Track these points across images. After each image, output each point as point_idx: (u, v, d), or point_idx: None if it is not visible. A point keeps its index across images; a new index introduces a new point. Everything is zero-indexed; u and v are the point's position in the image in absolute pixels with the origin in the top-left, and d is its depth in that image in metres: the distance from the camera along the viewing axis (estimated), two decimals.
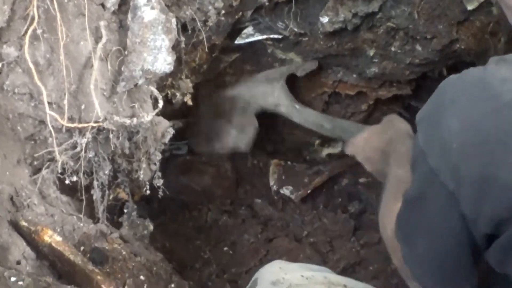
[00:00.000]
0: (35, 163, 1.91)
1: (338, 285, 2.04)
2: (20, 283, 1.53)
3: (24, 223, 1.81)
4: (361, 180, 3.16)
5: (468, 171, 1.33)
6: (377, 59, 2.48)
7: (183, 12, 2.03)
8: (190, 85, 2.31)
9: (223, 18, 2.23)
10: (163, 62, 1.80)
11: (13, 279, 1.53)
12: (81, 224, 1.98)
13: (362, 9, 2.24)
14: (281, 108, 2.72)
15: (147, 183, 2.04)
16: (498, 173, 1.29)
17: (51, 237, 1.80)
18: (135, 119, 1.83)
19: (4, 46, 1.69)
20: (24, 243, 1.81)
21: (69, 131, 1.81)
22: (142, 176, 2.02)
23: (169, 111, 2.22)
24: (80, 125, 1.78)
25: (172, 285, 2.05)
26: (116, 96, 1.82)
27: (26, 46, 1.66)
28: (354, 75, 2.67)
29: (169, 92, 2.28)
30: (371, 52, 2.44)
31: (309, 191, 3.11)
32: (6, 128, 1.81)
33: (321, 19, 2.27)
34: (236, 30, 2.41)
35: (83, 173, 1.90)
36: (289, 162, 3.13)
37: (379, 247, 2.92)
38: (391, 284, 2.66)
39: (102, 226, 2.05)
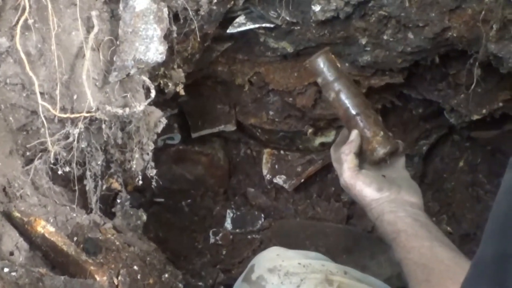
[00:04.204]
0: (28, 153, 1.90)
1: (336, 274, 2.04)
2: (13, 273, 1.53)
3: (17, 214, 1.81)
4: None
5: None
6: (369, 47, 2.48)
7: (174, 1, 2.02)
8: (182, 74, 2.30)
9: (215, 7, 2.22)
10: (155, 52, 1.80)
11: (6, 269, 1.53)
12: (74, 215, 1.99)
13: None
14: None
15: (140, 173, 2.04)
16: None
17: (44, 228, 1.80)
18: (127, 109, 1.82)
19: None
20: (17, 234, 1.81)
21: (62, 121, 1.81)
22: (135, 166, 2.02)
23: None
24: (72, 115, 1.77)
25: (166, 275, 2.05)
26: (108, 86, 1.82)
27: (17, 36, 1.65)
28: (347, 64, 2.67)
29: (161, 81, 2.28)
30: (363, 41, 2.44)
31: (302, 180, 3.11)
32: None
33: (313, 7, 2.27)
34: (228, 19, 2.40)
35: (76, 164, 1.90)
36: (282, 151, 3.13)
37: (372, 235, 2.93)
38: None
39: (95, 216, 2.05)
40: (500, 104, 2.60)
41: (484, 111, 2.62)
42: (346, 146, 2.14)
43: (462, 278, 1.49)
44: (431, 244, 1.88)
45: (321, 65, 2.17)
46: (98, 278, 1.75)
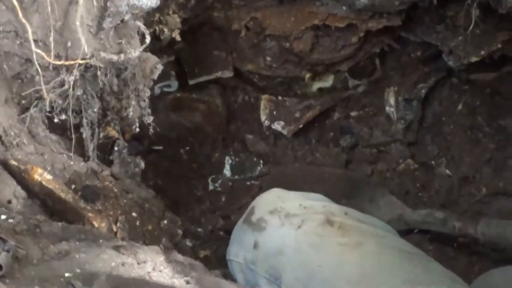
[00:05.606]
0: (23, 102, 1.89)
1: (338, 215, 2.05)
2: (11, 220, 1.53)
3: (13, 162, 1.81)
4: (353, 113, 3.15)
5: None
6: None
7: None
8: (178, 20, 2.28)
9: None
10: None
11: (3, 216, 1.54)
12: (72, 163, 1.99)
13: None
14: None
15: (137, 120, 2.03)
16: None
17: (41, 176, 1.80)
18: (122, 55, 1.81)
19: None
20: (15, 182, 1.81)
21: (56, 68, 1.79)
22: (131, 113, 2.01)
23: None
24: (67, 63, 1.76)
25: (165, 221, 2.06)
26: (103, 33, 1.80)
27: None
28: (344, 7, 2.64)
29: (157, 28, 2.26)
30: None
31: (300, 126, 3.10)
32: None
33: None
34: None
35: (72, 111, 1.89)
36: (280, 97, 3.12)
37: (371, 179, 2.94)
38: None
39: (93, 164, 2.05)
40: (499, 45, 2.58)
41: (482, 52, 2.60)
42: None
43: None
44: None
45: None
46: (96, 225, 1.76)
